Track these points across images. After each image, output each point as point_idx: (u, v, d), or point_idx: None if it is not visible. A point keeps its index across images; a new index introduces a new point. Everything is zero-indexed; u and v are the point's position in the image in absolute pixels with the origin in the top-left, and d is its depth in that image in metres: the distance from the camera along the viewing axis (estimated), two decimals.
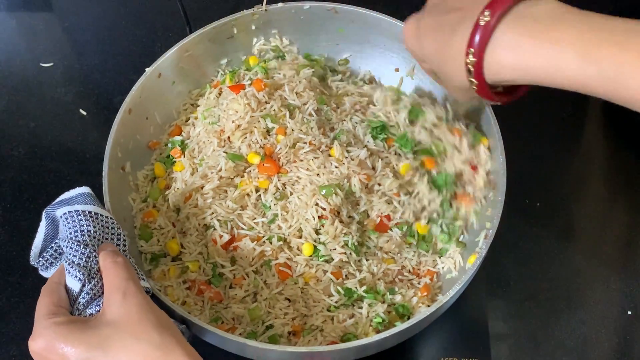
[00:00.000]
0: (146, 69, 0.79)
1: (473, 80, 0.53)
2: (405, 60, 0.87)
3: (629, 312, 0.79)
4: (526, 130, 0.93)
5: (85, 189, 0.63)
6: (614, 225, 0.87)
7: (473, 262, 0.68)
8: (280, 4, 0.85)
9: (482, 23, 0.50)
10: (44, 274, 0.63)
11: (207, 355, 0.68)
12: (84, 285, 0.56)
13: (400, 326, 0.63)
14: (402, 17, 0.83)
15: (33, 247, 0.63)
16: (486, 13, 0.49)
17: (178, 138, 0.82)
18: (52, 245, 0.62)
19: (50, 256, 0.62)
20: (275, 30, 0.88)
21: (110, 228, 0.62)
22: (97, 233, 0.60)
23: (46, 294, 0.56)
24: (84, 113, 0.97)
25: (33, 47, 1.05)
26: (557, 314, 0.79)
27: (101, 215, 0.62)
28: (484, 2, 0.50)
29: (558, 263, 0.83)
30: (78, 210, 0.60)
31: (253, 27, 0.87)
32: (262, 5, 0.84)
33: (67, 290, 0.57)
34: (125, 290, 0.54)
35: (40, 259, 0.62)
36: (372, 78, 0.91)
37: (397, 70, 0.89)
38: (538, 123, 0.96)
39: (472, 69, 0.52)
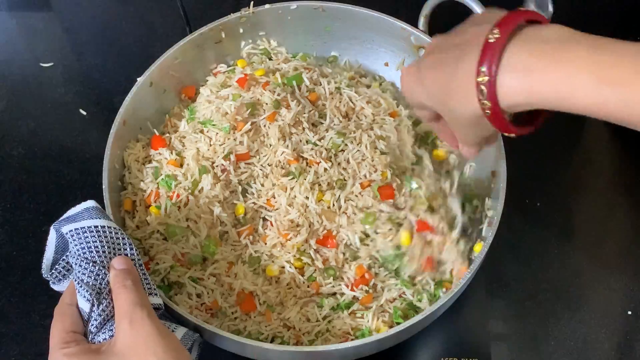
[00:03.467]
0: (137, 79, 0.79)
1: (486, 102, 0.49)
2: (394, 54, 0.88)
3: (629, 312, 0.79)
4: None
5: (90, 203, 0.62)
6: (614, 225, 0.87)
7: (480, 250, 0.68)
8: (267, 6, 0.85)
9: (491, 40, 0.47)
10: (55, 287, 0.62)
11: (206, 354, 0.68)
12: (93, 306, 0.55)
13: (400, 326, 0.63)
14: (389, 12, 0.84)
15: (44, 260, 0.62)
16: (495, 31, 0.47)
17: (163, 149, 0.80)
18: (64, 257, 0.62)
19: (63, 268, 0.61)
20: (263, 32, 0.88)
21: (120, 238, 0.61)
22: (106, 247, 0.59)
23: (58, 318, 0.55)
24: (84, 113, 0.97)
25: (33, 47, 1.05)
26: (557, 314, 0.79)
27: (108, 227, 0.60)
28: (490, 25, 0.48)
29: (558, 263, 0.83)
30: (84, 227, 0.59)
31: (241, 31, 0.87)
32: (249, 7, 0.84)
33: (80, 310, 0.56)
34: (132, 317, 0.53)
35: (52, 271, 0.61)
36: (361, 71, 0.91)
37: (386, 64, 0.89)
38: None
39: (484, 89, 0.48)
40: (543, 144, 0.93)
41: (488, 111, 0.49)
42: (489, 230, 0.69)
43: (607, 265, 0.83)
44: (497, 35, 0.47)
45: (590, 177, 0.92)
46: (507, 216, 0.68)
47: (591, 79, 0.44)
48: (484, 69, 0.47)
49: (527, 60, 0.47)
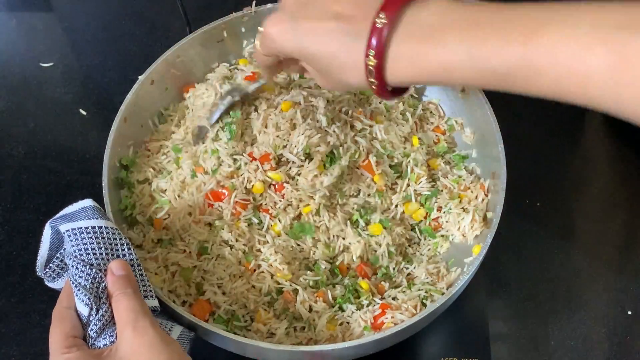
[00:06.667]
0: (139, 77, 0.79)
1: (373, 81, 0.52)
2: None
3: (629, 312, 0.79)
4: (526, 130, 0.93)
5: (87, 202, 0.62)
6: (614, 225, 0.87)
7: (479, 250, 0.68)
8: (269, 5, 0.85)
9: (379, 25, 0.50)
10: (50, 285, 0.62)
11: (204, 353, 0.68)
12: (92, 310, 0.55)
13: (400, 326, 0.63)
14: None
15: (39, 258, 0.62)
16: (382, 16, 0.50)
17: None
18: (58, 255, 0.61)
19: (57, 266, 0.61)
20: None
21: (118, 239, 0.61)
22: (103, 249, 0.59)
23: (57, 322, 0.55)
24: (84, 113, 0.97)
25: (33, 47, 1.05)
26: (557, 314, 0.79)
27: (105, 227, 0.60)
28: (375, 6, 0.50)
29: (558, 263, 0.83)
30: (81, 228, 0.59)
31: (243, 30, 0.87)
32: (251, 7, 0.85)
33: (78, 314, 0.56)
34: (135, 325, 0.53)
35: (47, 270, 0.61)
36: None
37: None
38: (538, 123, 0.96)
39: (373, 70, 0.51)
40: (543, 144, 0.93)
41: (374, 87, 0.53)
42: (488, 231, 0.69)
43: (607, 265, 0.83)
44: (384, 21, 0.49)
45: (590, 177, 0.92)
46: (507, 216, 0.68)
47: (466, 59, 0.47)
48: (372, 53, 0.50)
49: (411, 46, 0.50)
